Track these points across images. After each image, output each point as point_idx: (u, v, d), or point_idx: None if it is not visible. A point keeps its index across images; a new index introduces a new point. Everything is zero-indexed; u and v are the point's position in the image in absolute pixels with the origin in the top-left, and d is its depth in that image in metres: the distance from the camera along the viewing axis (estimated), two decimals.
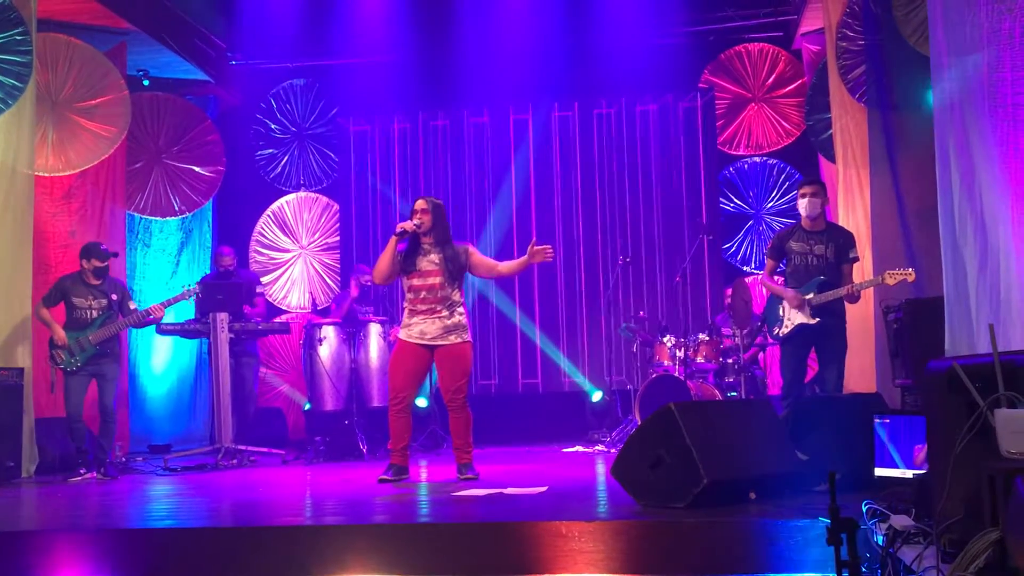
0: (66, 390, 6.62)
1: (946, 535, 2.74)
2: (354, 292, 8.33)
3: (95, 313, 6.66)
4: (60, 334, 6.58)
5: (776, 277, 6.18)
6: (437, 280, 5.45)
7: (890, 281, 5.61)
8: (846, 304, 5.84)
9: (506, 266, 5.73)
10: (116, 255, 6.96)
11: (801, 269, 5.84)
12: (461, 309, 5.54)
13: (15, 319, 6.88)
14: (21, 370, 6.72)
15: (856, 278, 5.93)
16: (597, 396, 8.66)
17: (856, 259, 5.89)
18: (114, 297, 6.74)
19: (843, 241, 5.87)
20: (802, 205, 5.84)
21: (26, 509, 5.38)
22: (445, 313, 5.45)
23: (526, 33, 8.95)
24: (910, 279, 5.58)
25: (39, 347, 6.95)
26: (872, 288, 6.60)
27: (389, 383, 5.57)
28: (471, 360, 5.54)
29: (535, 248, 5.41)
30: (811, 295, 5.73)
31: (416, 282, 5.48)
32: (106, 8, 7.66)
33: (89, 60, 8.00)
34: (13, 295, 6.90)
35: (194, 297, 7.10)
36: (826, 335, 5.76)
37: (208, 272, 9.30)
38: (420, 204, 5.54)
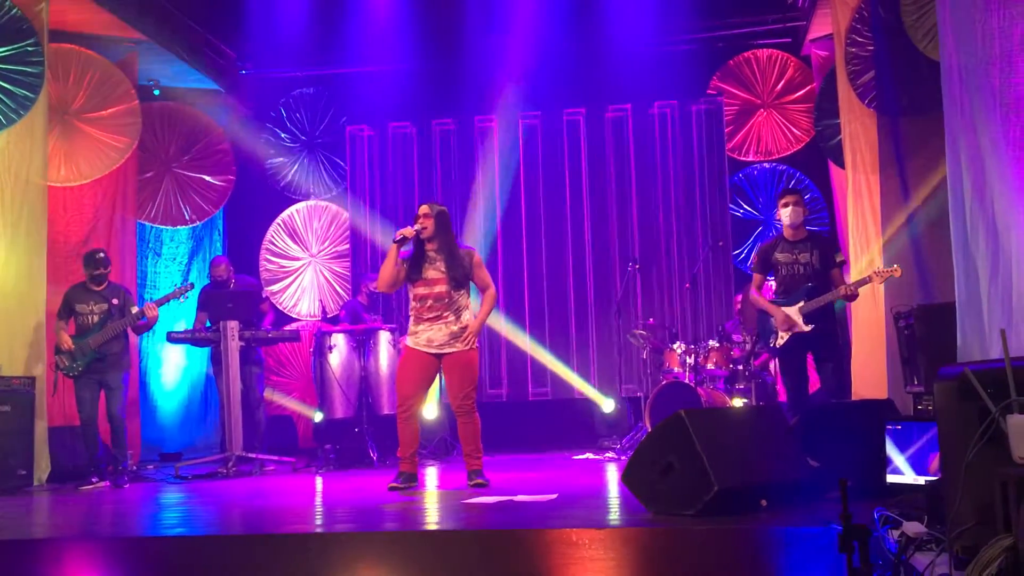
0: (77, 398, 6.70)
1: (959, 541, 2.72)
2: (364, 300, 8.35)
3: (95, 318, 6.72)
4: (64, 340, 6.67)
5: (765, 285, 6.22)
6: (443, 288, 5.44)
7: (877, 281, 5.72)
8: (851, 308, 5.87)
9: (487, 301, 5.60)
10: (106, 259, 6.91)
11: (789, 279, 5.88)
12: (468, 315, 5.53)
13: (29, 328, 6.93)
14: (33, 379, 6.76)
15: (850, 280, 5.97)
16: (608, 405, 8.62)
17: (842, 262, 5.95)
18: (115, 302, 6.78)
19: (826, 247, 5.92)
20: (785, 214, 5.86)
21: (38, 517, 5.40)
22: (452, 319, 5.44)
23: (535, 40, 8.97)
24: (896, 275, 5.68)
25: (52, 356, 6.99)
26: (884, 294, 6.61)
27: (396, 391, 5.56)
28: (478, 367, 5.54)
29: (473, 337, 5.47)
30: (801, 303, 5.77)
31: (422, 290, 5.48)
32: (117, 19, 7.71)
33: (100, 70, 8.06)
34: (27, 304, 6.95)
35: (184, 296, 7.06)
36: (818, 339, 5.79)
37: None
38: (423, 209, 5.53)
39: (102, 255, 6.95)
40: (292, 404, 9.34)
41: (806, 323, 5.75)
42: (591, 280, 9.17)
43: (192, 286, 7.10)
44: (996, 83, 4.22)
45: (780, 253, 5.93)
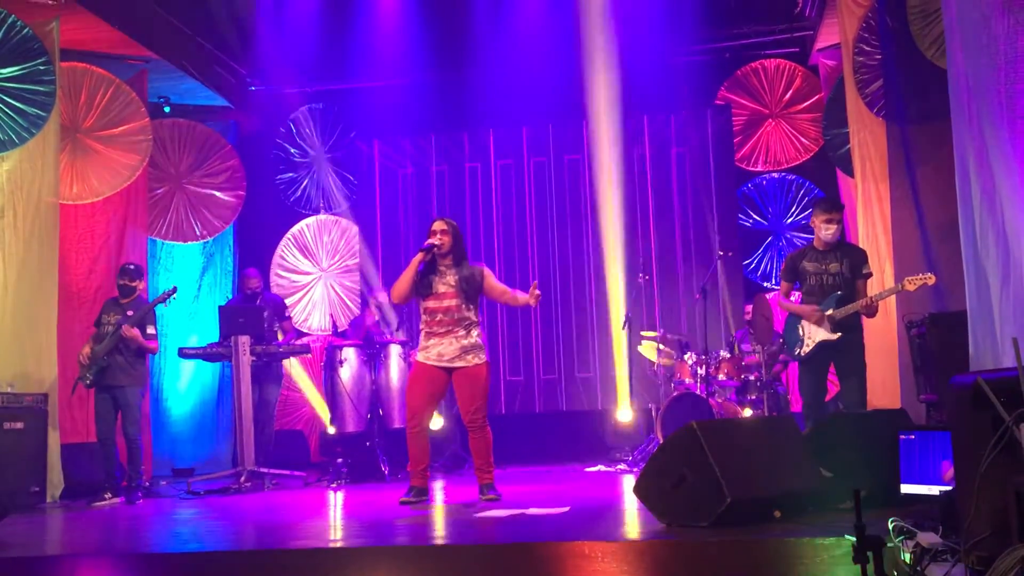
0: (95, 413, 6.75)
1: (974, 552, 2.70)
2: (371, 315, 8.37)
3: (110, 328, 6.76)
4: (83, 351, 6.72)
5: (792, 296, 6.16)
6: (453, 302, 5.45)
7: (910, 287, 5.55)
8: (863, 319, 5.80)
9: (513, 296, 5.66)
10: (133, 272, 6.99)
11: (817, 288, 5.82)
12: (478, 330, 5.53)
13: (41, 345, 6.97)
14: (45, 396, 6.79)
15: (873, 292, 5.90)
16: (622, 414, 8.60)
17: (869, 275, 5.87)
18: (129, 313, 6.80)
19: (856, 257, 5.85)
20: (828, 232, 5.76)
21: (51, 534, 5.41)
22: (462, 333, 5.45)
23: (542, 52, 8.99)
24: (930, 282, 5.53)
25: (64, 373, 7.03)
26: (895, 303, 6.57)
27: (406, 405, 5.56)
28: (489, 380, 5.53)
29: (536, 292, 5.42)
30: (831, 311, 5.70)
31: (432, 304, 5.49)
32: (128, 37, 7.76)
33: (111, 88, 8.12)
34: (39, 322, 6.99)
35: (168, 301, 7.03)
36: (844, 350, 5.72)
37: (230, 295, 9.39)
38: (439, 225, 5.54)
39: (132, 267, 7.03)
40: (309, 393, 9.33)
41: (834, 331, 5.70)
42: (604, 290, 9.16)
43: (175, 289, 7.05)
44: (1003, 89, 4.22)
45: (809, 262, 5.87)
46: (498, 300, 5.81)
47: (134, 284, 6.93)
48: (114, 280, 7.14)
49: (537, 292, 5.43)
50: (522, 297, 5.59)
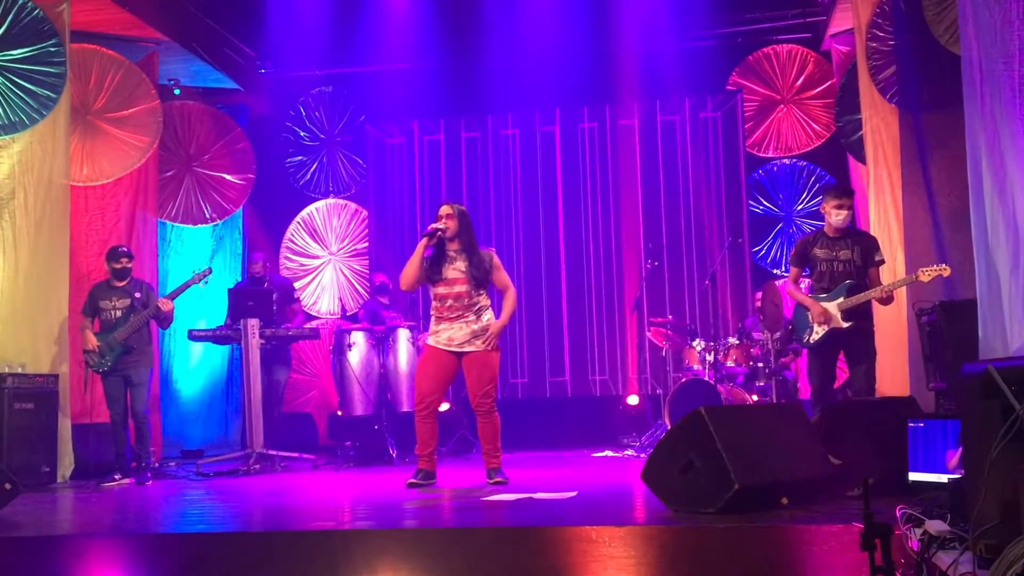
0: (107, 396, 6.80)
1: (982, 540, 2.70)
2: (382, 299, 8.39)
3: (119, 313, 6.79)
4: (89, 339, 6.74)
5: (802, 284, 6.13)
6: (463, 288, 5.44)
7: (924, 278, 5.51)
8: (875, 307, 5.77)
9: (509, 301, 5.59)
10: (128, 252, 7.04)
11: (827, 275, 5.77)
12: (489, 314, 5.53)
13: (52, 326, 7.00)
14: (56, 376, 6.83)
15: (886, 279, 5.86)
16: (630, 399, 8.62)
17: (882, 261, 5.82)
18: (137, 295, 6.84)
19: (868, 244, 5.79)
20: (839, 217, 5.70)
21: (61, 513, 5.44)
22: (473, 318, 5.45)
23: (552, 37, 8.96)
24: (945, 274, 5.48)
25: (75, 354, 7.06)
26: (905, 290, 6.53)
27: (415, 388, 5.57)
28: (498, 365, 5.54)
29: (494, 341, 5.47)
30: (841, 299, 5.67)
31: (442, 290, 5.48)
32: (138, 19, 7.76)
33: (122, 70, 8.11)
34: (51, 303, 7.02)
35: (204, 281, 7.09)
36: (854, 337, 5.69)
37: (240, 278, 9.41)
38: (445, 210, 5.52)
39: (125, 248, 7.08)
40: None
41: (844, 320, 5.67)
42: (609, 277, 9.16)
43: (210, 270, 7.12)
44: (1016, 76, 4.19)
45: (819, 249, 5.82)
46: (498, 290, 5.74)
47: (131, 265, 6.98)
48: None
49: (495, 339, 5.46)
50: (506, 310, 5.55)
